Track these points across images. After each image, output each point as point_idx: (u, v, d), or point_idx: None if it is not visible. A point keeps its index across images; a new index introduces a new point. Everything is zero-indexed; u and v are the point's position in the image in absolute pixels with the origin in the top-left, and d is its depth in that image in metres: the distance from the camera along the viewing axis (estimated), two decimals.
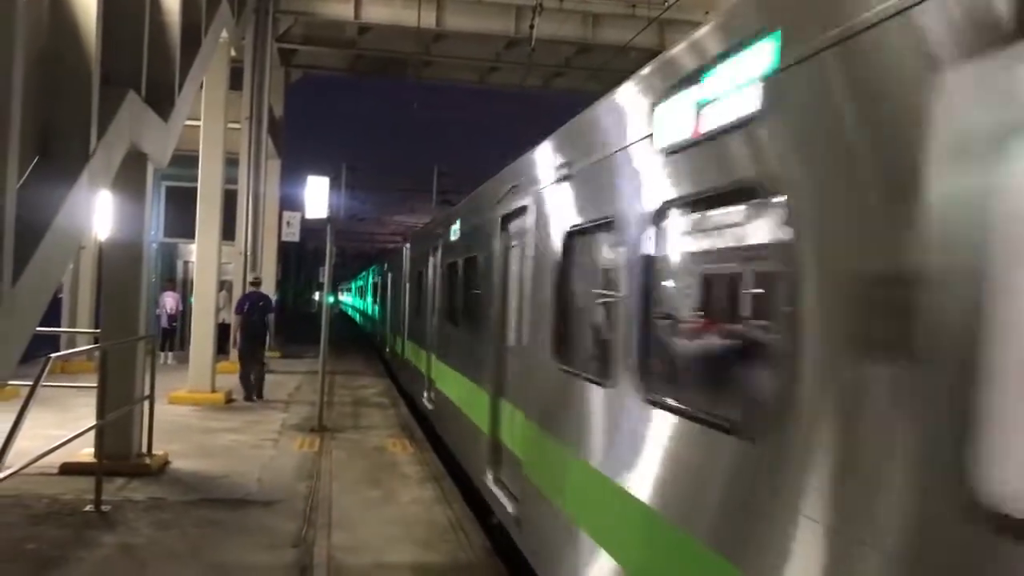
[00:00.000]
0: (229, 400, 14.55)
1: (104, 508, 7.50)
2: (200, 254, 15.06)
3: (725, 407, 3.37)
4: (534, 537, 5.79)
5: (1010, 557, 1.89)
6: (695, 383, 3.88)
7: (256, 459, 10.02)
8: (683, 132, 3.55)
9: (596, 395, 4.62)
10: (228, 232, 17.02)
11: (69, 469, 8.43)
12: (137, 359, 9.20)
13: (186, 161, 14.54)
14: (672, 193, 3.77)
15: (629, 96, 4.45)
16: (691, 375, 3.95)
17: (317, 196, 12.81)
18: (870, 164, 2.45)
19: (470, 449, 8.69)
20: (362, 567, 6.40)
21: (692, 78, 3.51)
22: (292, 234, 20.33)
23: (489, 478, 7.39)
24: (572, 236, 5.24)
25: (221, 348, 15.70)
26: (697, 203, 3.64)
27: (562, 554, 5.05)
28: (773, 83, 2.89)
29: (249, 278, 17.51)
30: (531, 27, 18.65)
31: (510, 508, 6.45)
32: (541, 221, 5.95)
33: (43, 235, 5.85)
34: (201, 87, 13.30)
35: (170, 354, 19.82)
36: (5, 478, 5.69)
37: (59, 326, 17.07)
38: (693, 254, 4.01)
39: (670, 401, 3.71)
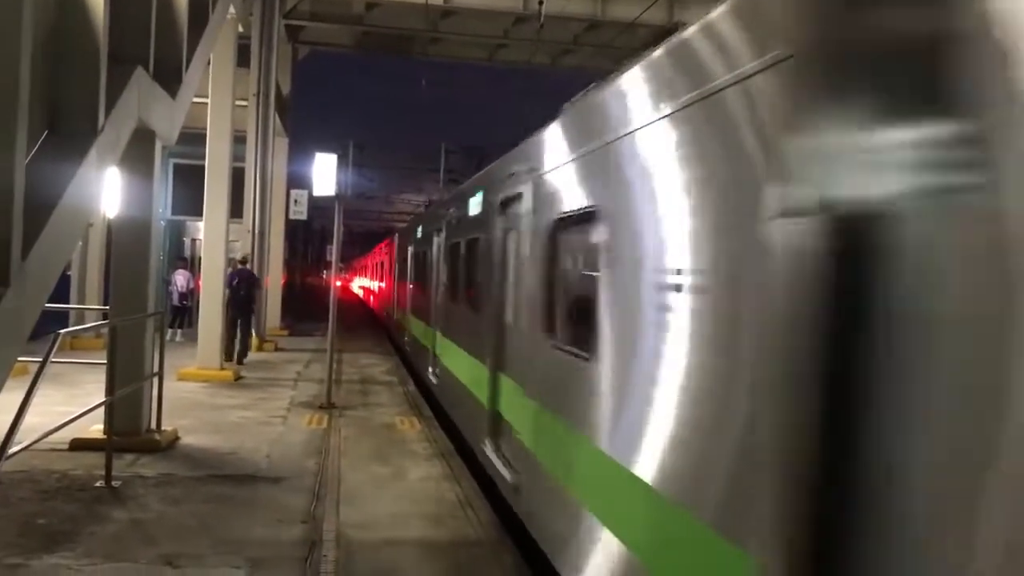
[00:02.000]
0: (238, 377, 14.62)
1: (114, 484, 7.55)
2: (208, 232, 15.08)
3: None
4: None
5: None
6: None
7: (265, 435, 10.07)
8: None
9: None
10: (236, 210, 17.07)
11: (79, 445, 8.48)
12: (146, 336, 9.21)
13: (194, 138, 14.50)
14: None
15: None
16: None
17: (325, 173, 12.77)
18: None
19: None
20: (371, 543, 6.44)
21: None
22: (300, 212, 20.26)
23: None
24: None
25: None
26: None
27: None
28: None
29: (237, 257, 17.78)
30: (540, 3, 18.54)
31: None
32: None
33: (52, 211, 5.84)
34: (209, 64, 13.25)
35: (179, 331, 19.88)
36: (15, 453, 5.71)
37: (68, 303, 17.12)
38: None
39: None
